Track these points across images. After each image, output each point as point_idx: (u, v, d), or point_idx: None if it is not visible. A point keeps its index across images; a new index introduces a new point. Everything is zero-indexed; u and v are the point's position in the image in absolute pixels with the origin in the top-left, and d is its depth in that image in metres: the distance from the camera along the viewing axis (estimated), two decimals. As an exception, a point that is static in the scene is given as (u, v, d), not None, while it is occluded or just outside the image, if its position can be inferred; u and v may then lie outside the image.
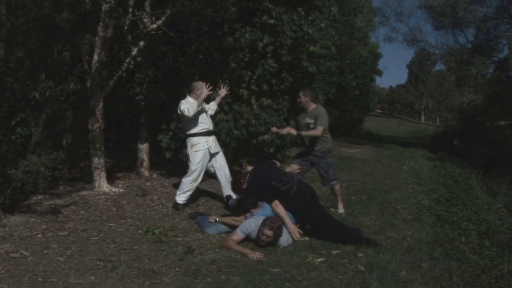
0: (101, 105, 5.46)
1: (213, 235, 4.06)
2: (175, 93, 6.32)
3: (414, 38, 17.84)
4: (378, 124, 31.59)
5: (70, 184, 5.79)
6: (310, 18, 7.24)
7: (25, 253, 3.37)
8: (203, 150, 4.81)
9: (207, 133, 4.88)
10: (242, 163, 7.13)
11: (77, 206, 4.79)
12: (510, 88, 15.76)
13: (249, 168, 4.45)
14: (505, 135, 15.78)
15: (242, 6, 6.44)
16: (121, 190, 5.63)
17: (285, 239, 3.75)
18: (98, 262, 3.26)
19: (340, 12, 12.20)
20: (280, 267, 3.19)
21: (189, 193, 4.91)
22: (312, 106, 4.87)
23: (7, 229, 3.94)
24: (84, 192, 5.36)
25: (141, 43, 5.62)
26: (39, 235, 3.82)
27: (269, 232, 3.63)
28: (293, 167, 4.74)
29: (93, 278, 2.98)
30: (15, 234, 3.83)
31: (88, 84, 5.45)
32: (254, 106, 6.70)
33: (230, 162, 5.97)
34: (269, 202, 3.98)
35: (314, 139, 4.81)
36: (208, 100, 5.07)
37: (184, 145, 5.41)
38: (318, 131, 4.71)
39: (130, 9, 5.50)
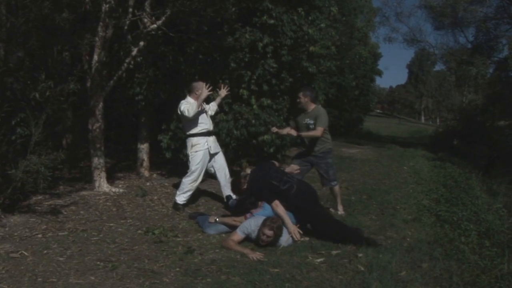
0: (101, 105, 5.46)
1: (213, 235, 4.06)
2: (175, 93, 6.32)
3: (414, 38, 17.85)
4: (378, 124, 31.58)
5: (70, 184, 5.79)
6: (310, 18, 7.24)
7: (25, 253, 3.37)
8: (203, 150, 4.81)
9: (207, 133, 4.88)
10: (242, 163, 7.13)
11: (77, 206, 4.79)
12: (510, 88, 15.76)
13: (248, 170, 4.46)
14: (505, 135, 15.77)
15: (242, 6, 6.44)
16: (121, 190, 5.63)
17: (285, 239, 3.75)
18: (98, 262, 3.26)
19: (340, 12, 12.20)
20: (280, 267, 3.19)
21: (189, 193, 4.91)
22: (312, 106, 4.87)
23: (7, 229, 3.95)
24: (84, 192, 5.36)
25: (141, 43, 5.62)
26: (39, 235, 3.82)
27: (269, 232, 3.63)
28: (292, 167, 4.74)
29: (93, 278, 2.98)
30: (15, 234, 3.83)
31: (88, 84, 5.45)
32: (254, 106, 6.70)
33: (230, 162, 5.98)
34: (269, 202, 3.98)
35: (314, 140, 4.81)
36: (208, 100, 5.07)
37: (184, 145, 5.41)
38: (318, 131, 4.71)
39: (130, 9, 5.50)
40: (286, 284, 2.88)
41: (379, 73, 22.69)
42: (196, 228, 4.29)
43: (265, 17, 6.48)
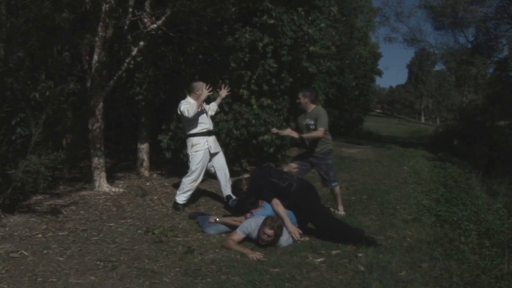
0: (101, 105, 5.46)
1: (213, 235, 4.06)
2: (175, 93, 6.32)
3: (414, 38, 17.85)
4: (378, 124, 31.59)
5: (70, 184, 5.79)
6: (310, 18, 7.24)
7: (25, 253, 3.37)
8: (203, 150, 4.81)
9: (207, 133, 4.88)
10: (242, 163, 7.14)
11: (77, 206, 4.79)
12: (510, 88, 15.76)
13: (246, 175, 4.50)
14: (505, 135, 15.76)
15: (242, 6, 6.44)
16: (121, 190, 5.63)
17: (285, 239, 3.75)
18: (98, 262, 3.26)
19: (340, 12, 12.21)
20: (280, 267, 3.19)
21: (189, 193, 4.91)
22: (312, 107, 4.87)
23: (7, 229, 3.94)
24: (84, 192, 5.36)
25: (141, 43, 5.62)
26: (39, 235, 3.82)
27: (269, 232, 3.63)
28: (290, 166, 4.77)
29: (93, 278, 2.98)
30: (15, 234, 3.83)
31: (88, 84, 5.45)
32: (254, 106, 6.70)
33: (230, 162, 5.98)
34: (269, 201, 3.99)
35: (315, 141, 4.80)
36: (208, 100, 5.06)
37: (184, 145, 5.41)
38: (319, 132, 4.70)
39: (130, 9, 5.50)
40: (286, 284, 2.88)
41: (379, 73, 22.72)
42: (196, 228, 4.29)
43: (265, 17, 6.48)
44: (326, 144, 4.84)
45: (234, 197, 4.87)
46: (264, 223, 3.67)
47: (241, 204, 4.31)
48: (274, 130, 5.18)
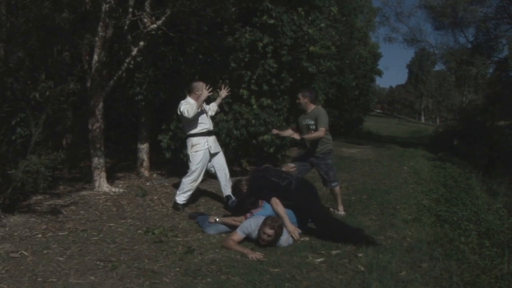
0: (101, 105, 5.46)
1: (213, 235, 4.06)
2: (175, 93, 6.32)
3: (414, 38, 17.84)
4: (378, 124, 31.57)
5: (70, 184, 5.79)
6: (310, 18, 7.24)
7: (25, 253, 3.37)
8: (203, 150, 4.81)
9: (207, 133, 4.88)
10: (242, 163, 7.14)
11: (77, 206, 4.79)
12: (510, 88, 15.76)
13: (246, 178, 4.53)
14: (505, 135, 15.77)
15: (242, 6, 6.44)
16: (121, 190, 5.63)
17: (285, 239, 3.76)
18: (98, 262, 3.26)
19: (340, 12, 12.20)
20: (280, 267, 3.19)
21: (189, 193, 4.90)
22: (312, 107, 4.87)
23: (7, 229, 3.94)
24: (84, 192, 5.36)
25: (141, 43, 5.62)
26: (39, 235, 3.82)
27: (270, 231, 3.63)
28: (288, 166, 4.79)
29: (93, 278, 2.98)
30: (15, 234, 3.83)
31: (88, 84, 5.45)
32: (254, 106, 6.70)
33: (230, 162, 5.98)
34: (269, 200, 4.00)
35: (316, 140, 4.80)
36: (208, 100, 5.06)
37: (184, 145, 5.41)
38: (320, 132, 4.70)
39: (130, 9, 5.50)
40: (286, 284, 2.88)
41: (379, 73, 22.72)
42: (196, 228, 4.29)
43: (265, 17, 6.48)
44: (326, 144, 4.84)
45: (234, 197, 4.87)
46: (264, 223, 3.67)
47: (241, 204, 4.31)
48: (275, 131, 5.17)
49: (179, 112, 4.76)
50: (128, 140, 7.70)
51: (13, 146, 4.48)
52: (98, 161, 5.48)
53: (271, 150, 6.96)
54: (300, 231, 3.92)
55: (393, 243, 3.76)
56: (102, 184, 5.51)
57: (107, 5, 5.15)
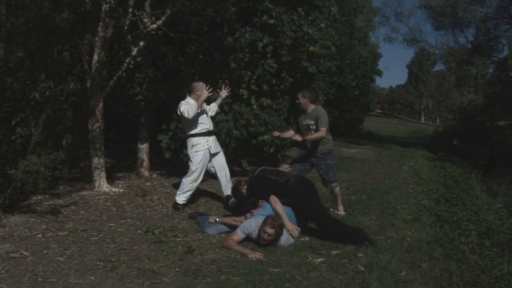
0: (101, 105, 5.46)
1: (213, 235, 4.06)
2: (175, 93, 6.32)
3: (414, 38, 17.85)
4: (378, 124, 31.59)
5: (70, 184, 5.79)
6: (310, 18, 7.24)
7: (25, 253, 3.37)
8: (203, 150, 4.80)
9: (207, 134, 4.88)
10: (242, 163, 7.14)
11: (77, 206, 4.79)
12: (510, 88, 15.77)
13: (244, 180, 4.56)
14: (505, 135, 15.78)
15: (242, 6, 6.44)
16: (121, 190, 5.63)
17: (285, 238, 3.76)
18: (98, 262, 3.26)
19: (340, 12, 12.21)
20: (280, 267, 3.19)
21: (189, 193, 4.90)
22: (311, 107, 4.86)
23: (7, 229, 3.94)
24: (84, 192, 5.36)
25: (141, 43, 5.62)
26: (39, 235, 3.82)
27: (270, 230, 3.63)
28: (284, 167, 4.83)
29: (93, 278, 2.98)
30: (15, 234, 3.83)
31: (88, 84, 5.45)
32: (254, 106, 6.70)
33: (230, 162, 5.97)
34: (267, 198, 4.02)
35: (316, 141, 4.80)
36: (208, 100, 5.06)
37: (184, 145, 5.41)
38: (321, 132, 4.70)
39: (130, 9, 5.50)
40: (286, 284, 2.88)
41: (379, 73, 22.74)
42: (196, 228, 4.29)
43: (265, 17, 6.48)
44: (326, 144, 4.84)
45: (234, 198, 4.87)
46: (264, 222, 3.67)
47: (241, 204, 4.32)
48: (276, 133, 5.16)
49: (179, 113, 4.76)
50: (128, 140, 7.70)
51: (13, 146, 4.48)
52: (98, 161, 5.48)
53: (271, 150, 6.96)
54: (299, 229, 3.92)
55: (393, 243, 3.76)
56: (102, 184, 5.51)
57: (107, 5, 5.15)
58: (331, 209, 4.96)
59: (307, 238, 3.93)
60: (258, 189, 4.19)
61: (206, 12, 5.58)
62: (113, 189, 5.55)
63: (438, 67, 41.96)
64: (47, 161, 4.22)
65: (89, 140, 5.50)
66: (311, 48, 7.32)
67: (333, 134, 5.29)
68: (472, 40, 16.72)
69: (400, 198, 5.77)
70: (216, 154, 4.97)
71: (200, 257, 3.45)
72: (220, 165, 5.02)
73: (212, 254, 3.53)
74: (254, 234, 3.76)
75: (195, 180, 4.86)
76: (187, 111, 4.59)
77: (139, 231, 4.09)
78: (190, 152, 4.83)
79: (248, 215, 4.03)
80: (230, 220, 4.14)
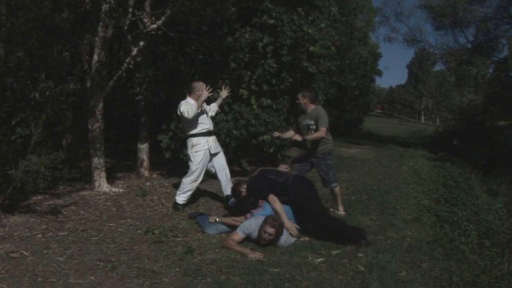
0: (101, 105, 5.46)
1: (213, 235, 4.06)
2: (175, 93, 6.32)
3: (414, 38, 17.85)
4: (378, 124, 31.58)
5: (70, 184, 5.79)
6: (310, 18, 7.24)
7: (25, 253, 3.37)
8: (203, 151, 4.80)
9: (208, 134, 4.88)
10: (242, 163, 7.14)
11: (77, 206, 4.79)
12: (510, 88, 15.76)
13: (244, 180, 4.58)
14: (505, 135, 15.77)
15: (242, 6, 6.44)
16: (121, 190, 5.63)
17: (285, 238, 3.76)
18: (98, 262, 3.26)
19: (340, 12, 12.21)
20: (280, 267, 3.19)
21: (189, 193, 4.90)
22: (311, 107, 4.86)
23: (7, 229, 3.94)
24: (84, 192, 5.36)
25: (141, 43, 5.62)
26: (39, 235, 3.82)
27: (271, 230, 3.63)
28: (282, 167, 4.83)
29: (93, 278, 2.98)
30: (15, 234, 3.83)
31: (88, 84, 5.45)
32: (254, 106, 6.70)
33: (230, 162, 5.98)
34: (266, 197, 4.04)
35: (316, 141, 4.80)
36: (208, 101, 5.06)
37: (184, 145, 5.41)
38: (321, 132, 4.70)
39: (130, 9, 5.50)
40: (286, 284, 2.88)
41: (379, 73, 22.75)
42: (196, 228, 4.29)
43: (265, 17, 6.48)
44: (326, 144, 4.83)
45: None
46: (265, 222, 3.68)
47: (241, 204, 4.32)
48: (276, 133, 5.17)
49: (179, 113, 4.75)
50: (128, 140, 7.70)
51: (13, 146, 4.48)
52: (98, 161, 5.48)
53: (271, 150, 6.96)
54: (298, 227, 3.93)
55: (393, 243, 3.75)
56: (102, 184, 5.51)
57: (107, 5, 5.15)
58: (331, 209, 4.96)
59: (307, 238, 3.93)
60: (258, 188, 4.21)
61: (206, 12, 5.59)
62: (113, 189, 5.55)
63: (438, 67, 41.98)
64: (47, 161, 4.22)
65: (89, 140, 5.50)
66: (311, 48, 7.32)
67: (333, 134, 5.29)
68: (472, 40, 16.74)
69: (400, 198, 5.77)
70: (216, 154, 4.97)
71: (200, 257, 3.45)
72: (220, 165, 5.02)
73: (212, 254, 3.53)
74: (254, 234, 3.76)
75: (195, 180, 4.86)
76: (187, 111, 4.59)
77: (139, 231, 4.09)
78: (190, 152, 4.83)
79: (248, 215, 4.04)
80: (230, 220, 4.14)
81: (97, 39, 5.24)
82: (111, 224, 4.28)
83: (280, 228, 3.69)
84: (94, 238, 3.83)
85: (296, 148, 8.69)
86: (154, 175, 6.81)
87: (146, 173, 6.72)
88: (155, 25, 5.50)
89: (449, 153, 13.74)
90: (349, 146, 13.64)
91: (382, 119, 44.49)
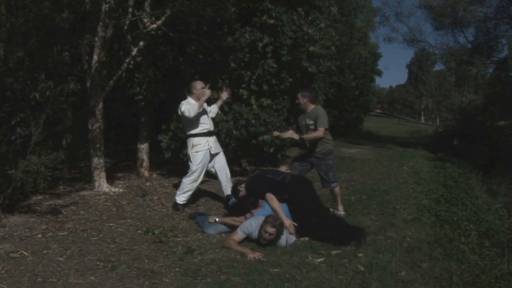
0: (101, 105, 5.46)
1: (213, 235, 4.06)
2: (175, 93, 6.32)
3: (414, 38, 17.85)
4: (378, 124, 31.57)
5: (70, 184, 5.79)
6: (310, 18, 7.24)
7: (25, 253, 3.37)
8: (203, 151, 4.80)
9: (208, 134, 4.88)
10: (242, 163, 7.14)
11: (77, 206, 4.79)
12: (510, 88, 15.76)
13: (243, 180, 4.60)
14: (505, 135, 15.77)
15: (242, 6, 6.44)
16: (121, 190, 5.63)
17: (285, 238, 3.76)
18: (98, 262, 3.26)
19: (340, 12, 12.21)
20: (280, 267, 3.19)
21: (189, 193, 4.90)
22: (311, 107, 4.86)
23: (7, 229, 3.94)
24: (84, 192, 5.36)
25: (141, 43, 5.62)
26: (39, 235, 3.82)
27: (271, 230, 3.64)
28: (282, 168, 4.85)
29: (93, 278, 2.98)
30: (15, 234, 3.83)
31: (88, 84, 5.45)
32: (254, 106, 6.70)
33: (230, 162, 5.98)
34: (263, 195, 4.06)
35: (315, 140, 4.80)
36: (208, 101, 5.06)
37: (184, 145, 5.40)
38: (319, 132, 4.70)
39: (130, 9, 5.50)
40: (286, 284, 2.88)
41: (379, 73, 22.75)
42: (196, 228, 4.29)
43: (265, 17, 6.48)
44: (326, 144, 4.83)
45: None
46: (265, 222, 3.68)
47: (241, 204, 4.33)
48: (276, 133, 5.17)
49: (179, 112, 4.75)
50: (128, 140, 7.70)
51: (13, 146, 4.48)
52: (98, 161, 5.48)
53: (271, 150, 6.96)
54: (296, 224, 3.93)
55: (393, 243, 3.75)
56: (102, 184, 5.51)
57: (107, 5, 5.15)
58: (331, 209, 4.96)
59: (307, 238, 3.93)
60: (256, 188, 4.23)
61: (206, 12, 5.59)
62: (113, 189, 5.55)
63: (438, 67, 42.03)
64: (47, 161, 4.22)
65: (89, 140, 5.50)
66: (311, 48, 7.32)
67: (333, 134, 5.29)
68: (472, 40, 16.74)
69: (400, 198, 5.76)
70: (216, 154, 4.97)
71: (200, 257, 3.45)
72: (221, 165, 5.02)
73: (212, 254, 3.53)
74: (255, 234, 3.76)
75: (195, 180, 4.86)
76: (189, 110, 4.59)
77: (139, 231, 4.09)
78: (191, 152, 4.82)
79: (248, 215, 4.04)
80: (230, 220, 4.15)
81: (97, 39, 5.25)
82: (111, 224, 4.28)
83: (280, 228, 3.69)
84: (94, 238, 3.83)
85: (296, 148, 8.71)
86: (154, 175, 6.81)
87: (146, 173, 6.72)
88: (155, 25, 5.50)
89: (449, 153, 13.74)
90: (349, 146, 13.64)
91: (382, 119, 44.49)
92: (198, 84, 4.79)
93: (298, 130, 5.00)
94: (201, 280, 2.97)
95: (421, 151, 13.75)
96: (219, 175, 5.03)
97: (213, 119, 5.23)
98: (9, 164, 4.19)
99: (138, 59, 6.03)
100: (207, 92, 4.67)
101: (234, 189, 4.62)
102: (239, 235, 3.78)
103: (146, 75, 6.28)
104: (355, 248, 3.59)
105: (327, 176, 4.84)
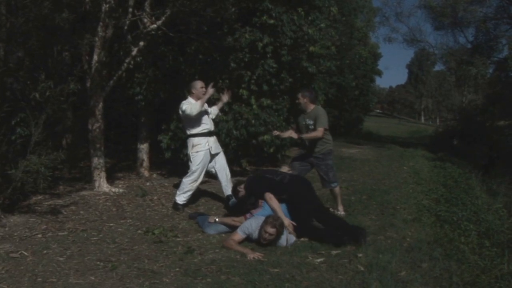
0: (101, 105, 5.46)
1: (213, 235, 4.06)
2: (175, 93, 6.32)
3: (414, 38, 17.85)
4: (378, 124, 31.58)
5: (70, 184, 5.79)
6: (310, 18, 7.24)
7: (25, 253, 3.37)
8: (204, 151, 4.80)
9: (208, 134, 4.88)
10: (242, 163, 7.14)
11: (77, 206, 4.79)
12: (510, 88, 15.77)
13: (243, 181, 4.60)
14: (505, 135, 15.78)
15: (242, 6, 6.44)
16: (121, 190, 5.63)
17: (285, 238, 3.76)
18: (98, 262, 3.26)
19: (340, 12, 12.22)
20: (280, 267, 3.19)
21: (189, 193, 4.90)
22: (311, 107, 4.87)
23: (7, 229, 3.94)
24: (84, 192, 5.36)
25: (141, 43, 5.62)
26: (39, 235, 3.82)
27: (271, 230, 3.63)
28: (284, 168, 4.84)
29: (93, 278, 2.98)
30: (15, 234, 3.83)
31: (88, 84, 5.45)
32: (254, 106, 6.70)
33: (230, 162, 5.98)
34: (262, 195, 4.07)
35: (315, 141, 4.80)
36: (208, 101, 5.05)
37: (184, 145, 5.40)
38: (318, 132, 4.70)
39: (130, 9, 5.50)
40: (286, 284, 2.88)
41: (379, 73, 22.77)
42: (196, 228, 4.29)
43: (265, 17, 6.48)
44: (326, 144, 4.83)
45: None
46: (265, 222, 3.68)
47: (241, 204, 4.33)
48: (276, 132, 5.17)
49: (180, 112, 4.75)
50: (128, 140, 7.70)
51: (13, 146, 4.48)
52: (98, 161, 5.48)
53: (271, 150, 6.96)
54: (294, 223, 3.93)
55: (393, 243, 3.75)
56: (102, 184, 5.51)
57: (107, 5, 5.15)
58: (331, 209, 4.96)
59: (307, 238, 3.93)
60: (256, 188, 4.23)
61: (206, 12, 5.59)
62: (113, 189, 5.55)
63: (438, 67, 42.04)
64: (47, 161, 4.22)
65: (89, 140, 5.50)
66: (311, 48, 7.32)
67: (333, 134, 5.29)
68: (472, 40, 16.75)
69: (400, 198, 5.76)
70: (216, 154, 4.97)
71: (200, 257, 3.45)
72: (221, 165, 5.02)
73: (212, 254, 3.53)
74: (255, 235, 3.76)
75: (195, 180, 4.86)
76: (190, 109, 4.59)
77: (139, 231, 4.09)
78: (191, 152, 4.82)
79: (248, 215, 4.04)
80: (230, 220, 4.15)
81: (97, 39, 5.25)
82: (111, 224, 4.28)
83: (280, 228, 3.69)
84: (94, 238, 3.83)
85: (296, 148, 8.71)
86: (154, 175, 6.81)
87: (146, 173, 6.72)
88: (155, 25, 5.50)
89: (449, 153, 13.74)
90: (349, 146, 13.64)
91: (382, 119, 44.50)
92: (198, 84, 4.80)
93: (298, 130, 5.00)
94: (201, 280, 2.97)
95: (421, 151, 13.76)
96: (219, 175, 5.03)
97: (213, 119, 5.23)
98: (9, 164, 4.19)
99: (138, 59, 6.03)
100: (210, 91, 4.66)
101: (234, 189, 4.63)
102: (239, 235, 3.77)
103: (146, 75, 6.28)
104: (355, 248, 3.59)
105: (327, 176, 4.84)
